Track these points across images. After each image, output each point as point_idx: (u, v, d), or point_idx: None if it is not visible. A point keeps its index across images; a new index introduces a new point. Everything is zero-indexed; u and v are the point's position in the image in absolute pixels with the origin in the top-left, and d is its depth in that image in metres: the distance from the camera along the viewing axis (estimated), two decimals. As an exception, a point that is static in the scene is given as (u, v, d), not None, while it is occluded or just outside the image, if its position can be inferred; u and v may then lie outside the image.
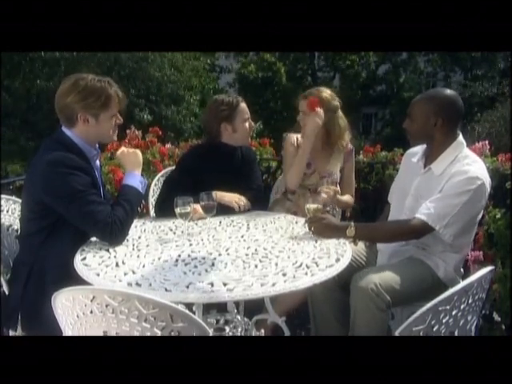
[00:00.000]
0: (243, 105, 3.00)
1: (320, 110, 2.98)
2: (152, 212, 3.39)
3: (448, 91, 2.46)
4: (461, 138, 2.43)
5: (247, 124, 3.00)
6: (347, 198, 3.14)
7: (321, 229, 2.33)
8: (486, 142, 3.96)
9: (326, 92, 3.11)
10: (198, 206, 2.45)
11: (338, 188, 2.94)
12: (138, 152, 2.46)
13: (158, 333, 1.44)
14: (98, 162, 2.43)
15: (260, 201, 3.02)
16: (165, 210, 2.46)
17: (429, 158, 2.49)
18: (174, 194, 2.41)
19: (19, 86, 16.35)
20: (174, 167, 3.42)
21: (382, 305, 2.14)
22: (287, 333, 2.57)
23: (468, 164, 2.31)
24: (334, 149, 3.21)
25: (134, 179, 2.35)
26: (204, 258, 2.03)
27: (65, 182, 2.10)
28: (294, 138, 3.21)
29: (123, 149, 2.47)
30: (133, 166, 2.40)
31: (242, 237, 2.35)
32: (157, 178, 3.60)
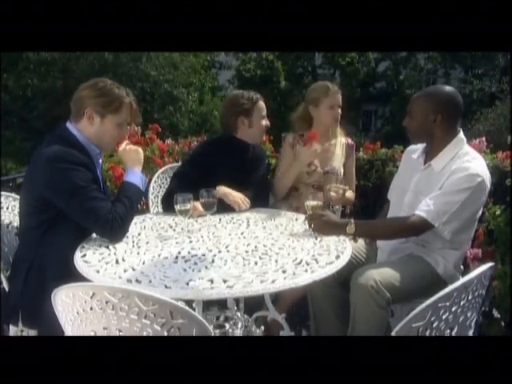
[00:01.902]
0: (262, 103, 3.04)
1: (318, 146, 3.00)
2: (152, 209, 3.40)
3: (447, 88, 2.46)
4: (461, 134, 2.43)
5: (263, 122, 3.04)
6: (349, 193, 3.15)
7: (321, 226, 2.33)
8: (484, 138, 3.95)
9: (330, 85, 3.21)
10: (198, 203, 2.45)
11: (347, 186, 2.96)
12: (140, 149, 2.46)
13: (158, 329, 1.44)
14: (100, 160, 2.44)
15: (262, 197, 3.02)
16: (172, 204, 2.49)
17: (429, 154, 2.49)
18: (182, 188, 2.42)
19: (13, 84, 16.37)
20: (175, 163, 3.42)
21: (382, 302, 2.15)
22: (287, 330, 2.58)
23: (468, 161, 2.31)
24: (336, 144, 3.25)
25: (135, 176, 2.36)
26: (204, 255, 2.03)
27: (66, 177, 2.10)
28: (292, 137, 3.26)
29: (124, 145, 2.47)
30: (133, 163, 2.40)
31: (242, 234, 2.35)
32: (156, 175, 3.58)
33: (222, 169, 2.85)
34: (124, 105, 2.30)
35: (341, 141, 3.33)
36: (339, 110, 3.20)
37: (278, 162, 3.39)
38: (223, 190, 2.74)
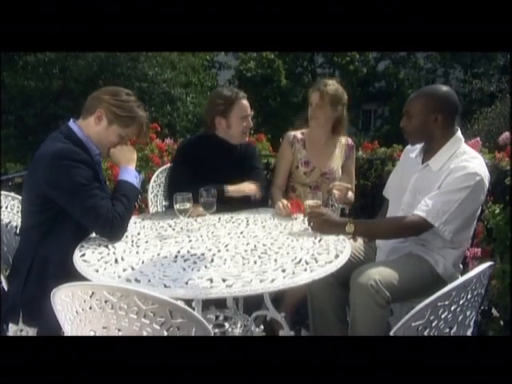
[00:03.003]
0: (243, 102, 2.89)
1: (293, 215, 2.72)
2: (151, 208, 3.40)
3: (444, 87, 2.45)
4: (459, 133, 2.43)
5: (244, 122, 2.89)
6: (349, 194, 3.15)
7: (320, 224, 2.33)
8: (478, 139, 3.93)
9: (336, 85, 3.14)
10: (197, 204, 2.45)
11: (350, 185, 2.95)
12: (132, 148, 2.47)
13: (158, 328, 1.44)
14: (100, 159, 2.45)
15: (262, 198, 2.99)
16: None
17: (427, 153, 2.49)
18: (178, 184, 2.41)
19: (11, 82, 16.40)
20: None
21: (382, 301, 2.14)
22: (287, 329, 2.58)
23: (466, 160, 2.31)
24: (336, 144, 3.24)
25: (130, 174, 2.36)
26: (203, 254, 2.03)
27: (68, 174, 2.11)
28: (292, 136, 3.22)
29: None
30: (127, 161, 2.40)
31: (242, 233, 2.35)
32: (156, 174, 3.60)
33: (212, 167, 2.82)
34: (135, 124, 2.33)
35: (341, 141, 3.31)
36: (323, 109, 3.08)
37: (276, 161, 3.35)
38: (231, 188, 2.74)
